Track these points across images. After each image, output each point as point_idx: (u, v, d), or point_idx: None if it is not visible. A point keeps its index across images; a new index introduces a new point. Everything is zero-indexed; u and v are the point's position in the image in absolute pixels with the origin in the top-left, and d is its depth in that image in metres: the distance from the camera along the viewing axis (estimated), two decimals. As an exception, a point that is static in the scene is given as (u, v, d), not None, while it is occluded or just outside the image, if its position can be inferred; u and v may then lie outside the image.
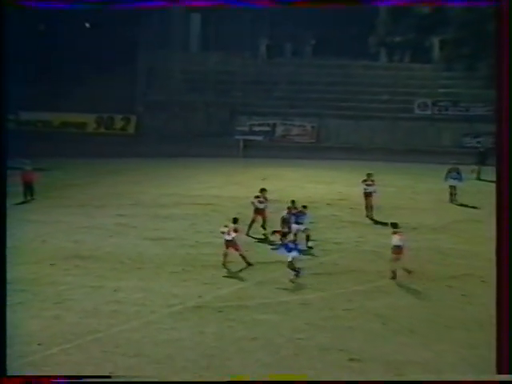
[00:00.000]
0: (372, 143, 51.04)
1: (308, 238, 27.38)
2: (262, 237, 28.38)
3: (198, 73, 55.57)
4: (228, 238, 24.99)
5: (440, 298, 22.85)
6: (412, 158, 45.70)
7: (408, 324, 20.75)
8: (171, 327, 20.37)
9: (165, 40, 56.70)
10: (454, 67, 53.81)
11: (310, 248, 27.02)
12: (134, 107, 56.21)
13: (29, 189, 34.45)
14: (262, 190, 29.68)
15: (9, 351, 16.44)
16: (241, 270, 24.74)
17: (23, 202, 34.00)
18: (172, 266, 25.51)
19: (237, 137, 49.76)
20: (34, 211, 32.70)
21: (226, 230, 25.12)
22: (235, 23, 54.00)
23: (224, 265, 24.84)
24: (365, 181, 32.19)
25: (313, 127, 53.06)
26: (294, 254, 23.99)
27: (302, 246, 24.96)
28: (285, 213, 27.80)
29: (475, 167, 39.38)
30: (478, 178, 38.88)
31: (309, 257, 26.17)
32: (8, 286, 21.71)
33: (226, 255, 24.92)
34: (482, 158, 39.81)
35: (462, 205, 34.32)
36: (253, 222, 28.90)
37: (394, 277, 24.04)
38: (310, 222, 27.92)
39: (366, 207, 31.89)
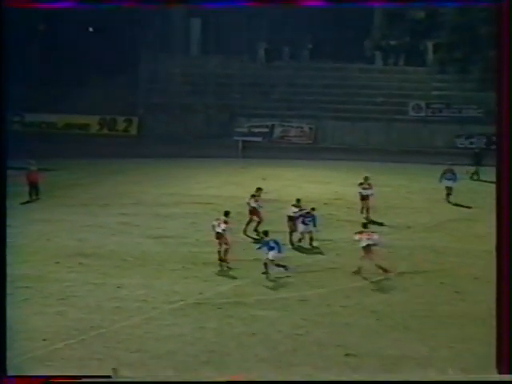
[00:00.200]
0: (367, 144, 50.97)
1: (312, 239, 27.33)
2: (257, 237, 28.17)
3: (198, 76, 55.50)
4: (218, 230, 25.07)
5: (433, 295, 22.85)
6: (406, 158, 45.65)
7: (402, 320, 20.76)
8: (172, 323, 20.37)
9: (166, 44, 56.64)
10: (447, 70, 53.77)
11: (316, 248, 26.93)
12: (136, 109, 56.11)
13: (34, 188, 34.42)
14: (258, 190, 29.64)
15: (14, 346, 16.42)
16: (240, 268, 24.72)
17: (28, 202, 33.96)
18: (173, 263, 25.50)
19: (236, 138, 49.68)
20: (39, 210, 32.68)
21: (216, 223, 25.20)
22: (234, 28, 53.91)
23: (222, 261, 24.83)
24: (361, 184, 32.01)
25: (310, 128, 52.99)
26: (274, 252, 23.98)
27: (281, 247, 24.80)
28: (291, 211, 27.73)
29: (471, 168, 39.23)
30: (475, 179, 38.77)
31: (311, 255, 26.26)
32: (13, 284, 21.71)
33: (220, 251, 24.94)
34: (478, 159, 39.71)
35: (455, 204, 34.30)
36: (250, 221, 28.84)
37: (358, 272, 24.08)
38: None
39: (362, 209, 31.71)
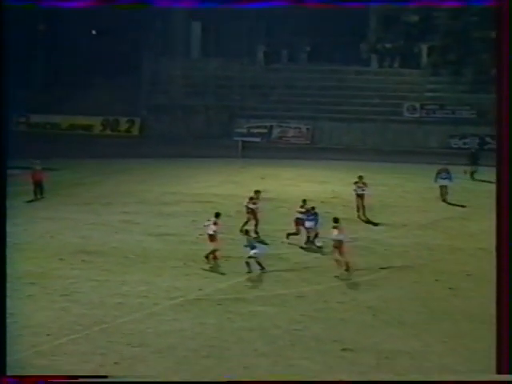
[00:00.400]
0: (363, 144, 50.92)
1: (316, 237, 27.13)
2: (255, 235, 28.08)
3: (199, 78, 55.47)
4: (209, 232, 24.98)
5: (428, 291, 22.83)
6: (401, 158, 45.58)
7: (398, 316, 20.74)
8: (173, 318, 20.34)
9: (167, 47, 56.65)
10: (440, 72, 53.77)
11: (320, 247, 26.76)
12: (139, 110, 56.10)
13: (38, 187, 34.40)
14: (256, 192, 29.48)
15: (19, 341, 16.40)
16: (239, 265, 24.67)
17: (33, 200, 33.94)
18: (174, 260, 25.48)
19: (235, 138, 49.58)
20: (43, 209, 32.65)
21: (208, 223, 25.12)
22: (234, 31, 53.94)
23: (212, 259, 24.80)
24: (356, 183, 31.94)
25: (308, 129, 52.95)
26: (256, 250, 24.01)
27: (264, 247, 24.89)
28: (298, 213, 27.51)
29: (469, 168, 39.08)
30: (472, 178, 38.67)
31: (313, 254, 26.26)
32: (18, 280, 21.74)
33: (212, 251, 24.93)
34: (474, 159, 39.61)
35: (449, 203, 34.26)
36: (247, 221, 28.74)
37: (340, 264, 24.06)
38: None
39: (358, 208, 31.63)
